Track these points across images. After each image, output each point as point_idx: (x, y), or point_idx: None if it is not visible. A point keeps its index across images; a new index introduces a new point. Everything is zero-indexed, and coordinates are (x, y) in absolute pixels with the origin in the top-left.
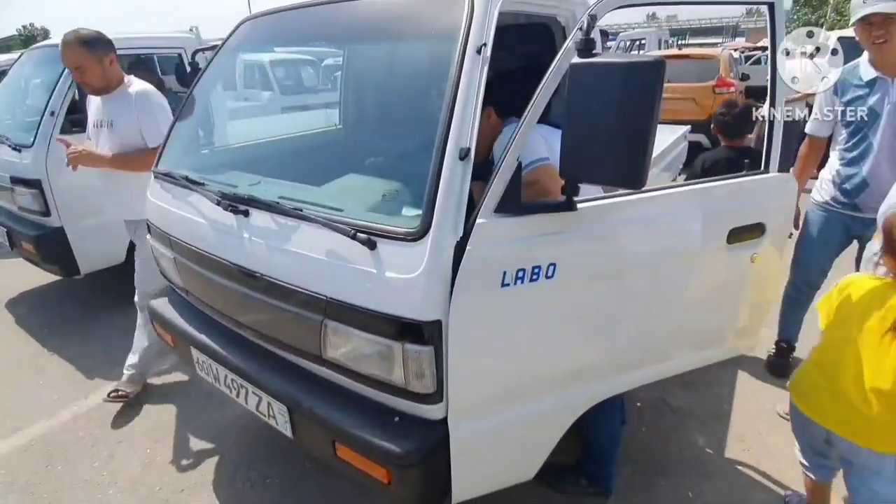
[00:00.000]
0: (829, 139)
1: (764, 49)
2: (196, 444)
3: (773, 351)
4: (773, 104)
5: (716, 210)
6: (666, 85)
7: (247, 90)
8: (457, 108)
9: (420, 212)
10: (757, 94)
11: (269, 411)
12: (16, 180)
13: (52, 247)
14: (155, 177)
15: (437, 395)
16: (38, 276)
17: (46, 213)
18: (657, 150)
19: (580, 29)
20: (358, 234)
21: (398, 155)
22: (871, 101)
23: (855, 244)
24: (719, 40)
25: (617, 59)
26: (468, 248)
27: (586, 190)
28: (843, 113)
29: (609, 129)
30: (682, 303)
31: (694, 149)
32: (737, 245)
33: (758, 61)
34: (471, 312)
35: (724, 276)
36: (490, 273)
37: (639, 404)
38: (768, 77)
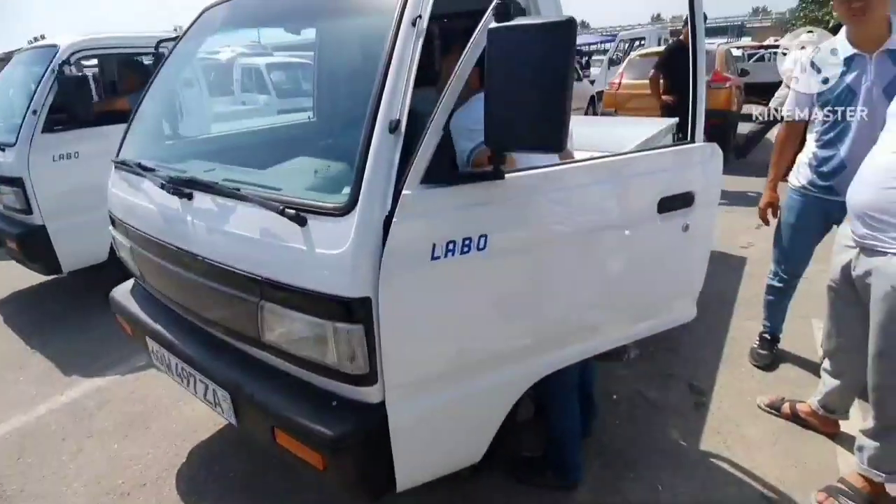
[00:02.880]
0: (808, 124)
1: (768, 48)
2: (164, 439)
3: (758, 342)
4: (695, 80)
5: (645, 179)
6: (661, 80)
7: (244, 94)
8: (388, 81)
9: (349, 187)
10: (756, 90)
11: (215, 399)
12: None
13: (34, 245)
14: (115, 167)
15: (371, 377)
16: (26, 276)
17: (28, 211)
18: (640, 139)
19: None
20: (286, 209)
21: (338, 132)
22: (849, 79)
23: (836, 230)
24: (724, 40)
25: (529, 21)
26: (394, 220)
27: None
28: (820, 93)
29: (527, 93)
30: (617, 273)
31: None
32: (668, 214)
33: (762, 58)
34: (401, 288)
35: (658, 245)
36: (419, 246)
37: (615, 397)
38: (691, 57)
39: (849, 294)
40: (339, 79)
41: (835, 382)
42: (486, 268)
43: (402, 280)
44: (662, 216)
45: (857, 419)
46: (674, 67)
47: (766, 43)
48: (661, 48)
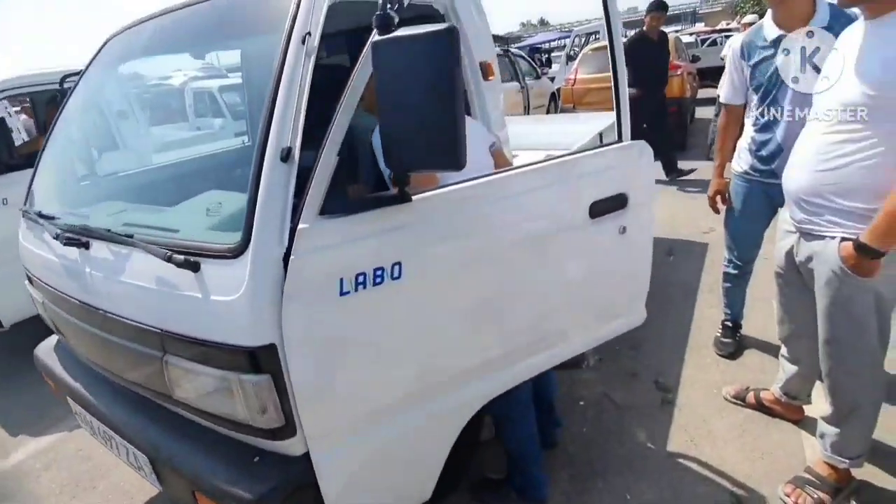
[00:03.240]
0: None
1: (720, 31)
2: (112, 498)
3: (720, 331)
4: (616, 80)
5: (573, 185)
6: (606, 74)
7: (199, 119)
8: (278, 105)
9: (242, 224)
10: (710, 74)
11: (137, 462)
12: None
13: None
14: (22, 216)
15: (288, 428)
16: None
17: None
18: (592, 134)
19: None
20: (174, 255)
21: (233, 164)
22: (778, 60)
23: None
24: (679, 27)
25: (409, 32)
26: (291, 258)
27: None
28: (752, 76)
29: (417, 110)
30: (554, 285)
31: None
32: (602, 219)
33: (714, 43)
34: (308, 330)
35: (595, 251)
36: (323, 283)
37: (581, 403)
38: (609, 58)
39: (796, 279)
40: (237, 105)
41: (793, 369)
42: (404, 296)
43: (308, 321)
44: (595, 221)
45: (821, 403)
46: (637, 58)
47: (718, 27)
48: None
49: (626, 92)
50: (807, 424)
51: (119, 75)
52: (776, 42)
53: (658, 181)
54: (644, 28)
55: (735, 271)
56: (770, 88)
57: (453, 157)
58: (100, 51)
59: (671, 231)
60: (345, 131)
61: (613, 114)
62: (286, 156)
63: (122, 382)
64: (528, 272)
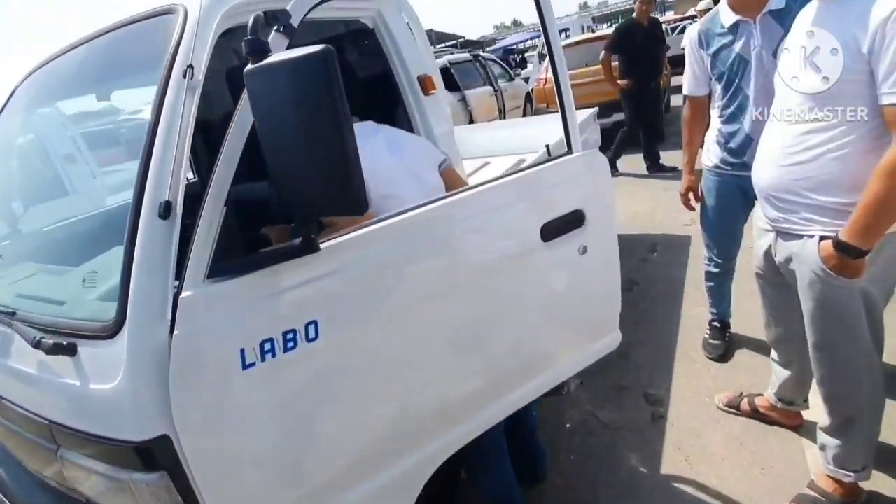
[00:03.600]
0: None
1: (689, 18)
2: None
3: (708, 332)
4: (558, 85)
5: (518, 208)
6: (581, 70)
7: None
8: (155, 151)
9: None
10: (680, 62)
11: None
12: None
13: None
14: None
15: None
16: None
17: None
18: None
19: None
20: (43, 340)
21: (117, 221)
22: (737, 47)
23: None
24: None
25: (280, 57)
26: (175, 333)
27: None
28: (713, 66)
29: (301, 145)
30: (507, 322)
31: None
32: (556, 241)
33: (683, 30)
34: (207, 415)
35: (551, 278)
36: (220, 357)
37: (568, 426)
38: (549, 61)
39: (777, 279)
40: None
41: (786, 373)
42: (324, 359)
43: (206, 404)
44: (550, 244)
45: (819, 406)
46: (629, 46)
47: (686, 14)
48: (585, 36)
49: (569, 96)
50: (807, 430)
51: (21, 122)
52: (734, 28)
53: (633, 175)
54: (635, 14)
55: (717, 269)
56: (733, 77)
57: (350, 200)
58: (14, 90)
59: (651, 226)
60: (230, 178)
61: (584, 112)
62: (165, 211)
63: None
64: (473, 311)
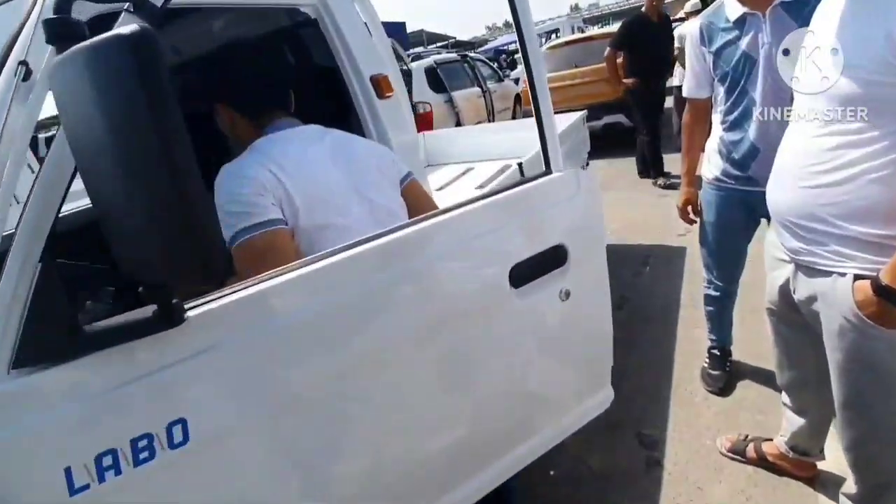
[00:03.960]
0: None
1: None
2: None
3: (707, 361)
4: (535, 97)
5: (476, 247)
6: (573, 70)
7: None
8: None
9: None
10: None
11: None
12: None
13: None
14: None
15: None
16: None
17: None
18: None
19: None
20: None
21: None
22: (743, 44)
23: (766, 225)
24: None
25: (90, 42)
26: None
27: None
28: (715, 65)
29: (120, 178)
30: (467, 398)
31: (613, 131)
32: (530, 286)
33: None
34: None
35: (526, 332)
36: (31, 482)
37: (552, 472)
38: (524, 68)
39: (793, 317)
40: None
41: (799, 421)
42: (199, 470)
43: None
44: (521, 291)
45: (835, 453)
46: (636, 43)
47: (679, 15)
48: (575, 36)
49: (549, 109)
50: (822, 483)
51: None
52: (740, 23)
53: (625, 178)
54: (643, 9)
55: (717, 293)
56: (737, 78)
57: (200, 263)
58: None
59: (645, 236)
60: (53, 214)
61: (571, 115)
62: None
63: None
64: (420, 385)
